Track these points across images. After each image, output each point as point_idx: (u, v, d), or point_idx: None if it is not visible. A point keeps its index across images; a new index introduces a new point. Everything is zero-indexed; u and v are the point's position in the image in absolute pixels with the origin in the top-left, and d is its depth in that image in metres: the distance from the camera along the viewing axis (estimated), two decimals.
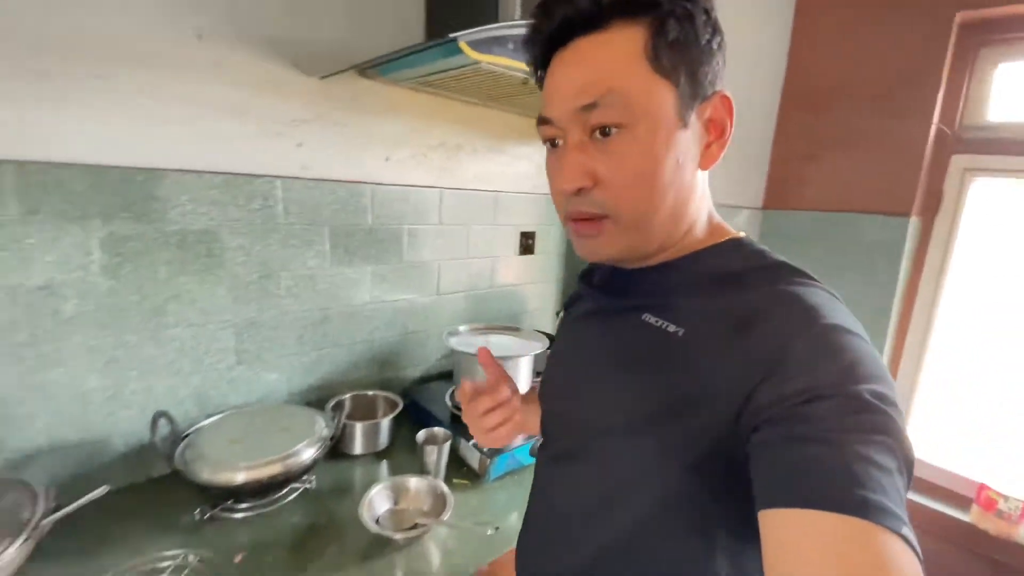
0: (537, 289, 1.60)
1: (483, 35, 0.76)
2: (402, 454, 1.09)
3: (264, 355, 1.05)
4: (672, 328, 0.47)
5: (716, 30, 0.46)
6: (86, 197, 0.81)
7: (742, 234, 0.53)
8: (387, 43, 1.05)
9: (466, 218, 1.34)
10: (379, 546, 0.81)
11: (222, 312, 0.97)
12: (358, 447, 1.06)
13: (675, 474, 0.43)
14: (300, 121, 1.01)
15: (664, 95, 0.44)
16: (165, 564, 0.73)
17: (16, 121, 0.75)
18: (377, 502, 0.87)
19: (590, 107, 0.44)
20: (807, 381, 0.37)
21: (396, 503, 0.90)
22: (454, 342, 1.19)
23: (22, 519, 0.69)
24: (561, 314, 0.80)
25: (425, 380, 1.35)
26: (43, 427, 0.83)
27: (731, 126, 0.48)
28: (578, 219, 0.48)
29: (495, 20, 0.87)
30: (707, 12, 0.45)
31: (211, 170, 0.91)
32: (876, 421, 0.35)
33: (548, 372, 0.65)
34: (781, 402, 0.37)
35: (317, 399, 1.12)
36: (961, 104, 1.64)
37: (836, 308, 0.42)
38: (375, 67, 0.94)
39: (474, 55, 0.79)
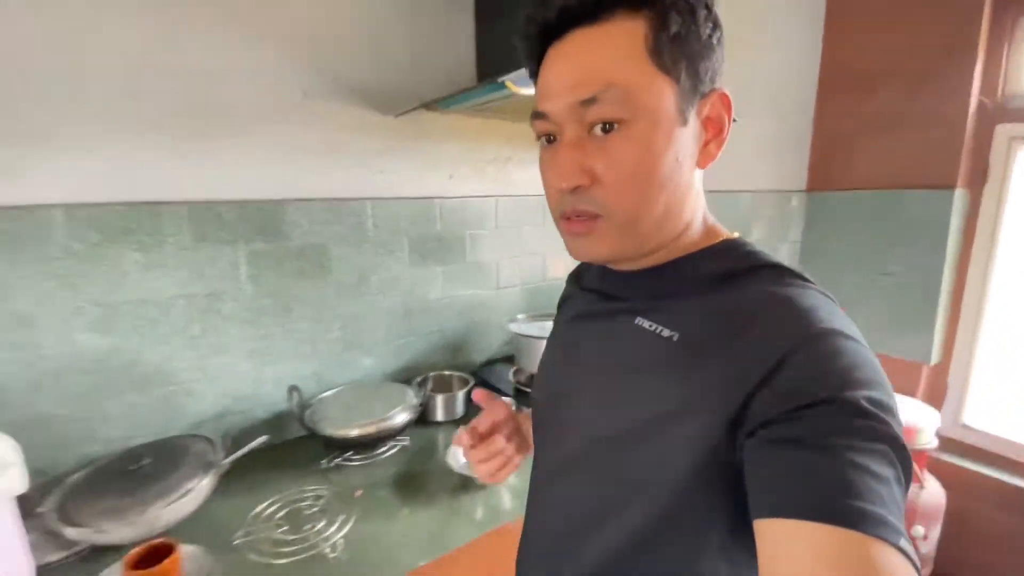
0: None
1: (525, 77, 0.95)
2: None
3: (362, 343, 1.30)
4: (666, 333, 0.46)
5: (716, 25, 0.45)
6: (235, 225, 1.08)
7: (736, 235, 0.52)
8: (445, 80, 1.28)
9: (518, 221, 1.54)
10: (463, 486, 1.02)
11: (331, 309, 1.23)
12: (440, 415, 1.28)
13: (674, 481, 0.43)
14: (381, 152, 1.25)
15: (665, 91, 0.43)
16: (308, 495, 0.98)
17: (184, 171, 1.03)
18: (460, 453, 1.09)
19: (589, 102, 0.43)
20: (803, 386, 0.37)
21: None
22: (514, 327, 1.40)
23: (208, 461, 0.96)
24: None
25: (490, 363, 1.56)
26: (211, 399, 1.11)
27: (729, 124, 0.47)
28: (571, 218, 0.47)
29: None
30: (707, 7, 0.44)
31: (319, 197, 1.17)
32: (873, 428, 0.35)
33: (540, 379, 0.64)
34: (777, 407, 0.37)
35: (404, 378, 1.36)
36: (1002, 74, 1.66)
37: (832, 311, 0.42)
38: (438, 103, 1.16)
39: (515, 89, 0.98)
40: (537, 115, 0.47)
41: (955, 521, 1.67)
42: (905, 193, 1.81)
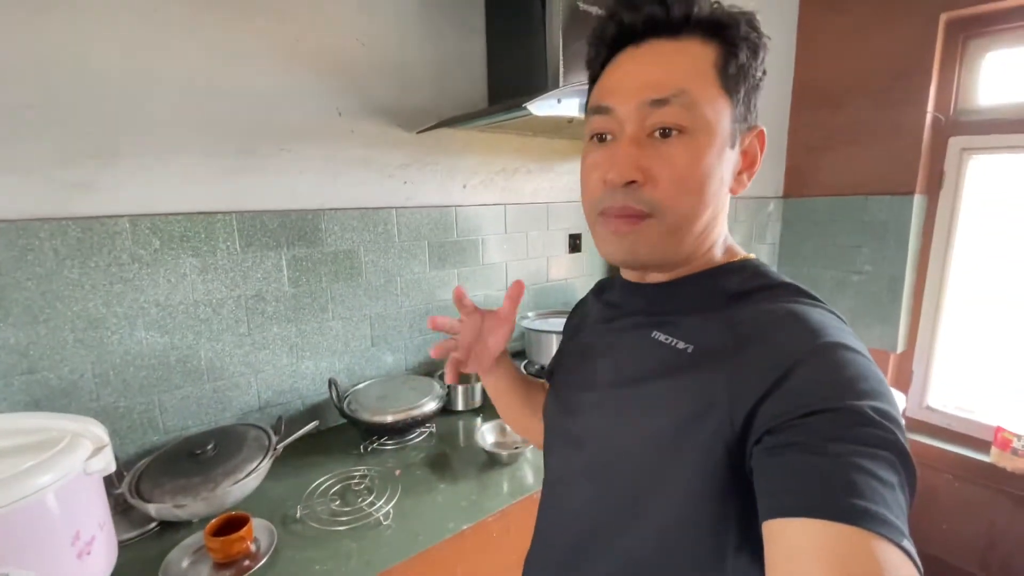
0: (583, 282, 1.91)
1: (541, 100, 1.08)
2: (490, 409, 1.42)
3: (388, 339, 1.41)
4: (681, 345, 0.48)
5: (766, 71, 0.50)
6: (277, 232, 1.19)
7: (752, 255, 0.54)
8: (461, 98, 1.41)
9: (525, 226, 1.67)
10: (490, 463, 1.14)
11: (361, 308, 1.34)
12: (460, 404, 1.40)
13: (688, 489, 0.44)
14: (405, 165, 1.37)
15: (724, 110, 0.46)
16: (354, 475, 1.09)
17: (234, 184, 1.13)
18: (487, 434, 1.21)
19: (660, 102, 0.45)
20: (810, 395, 0.38)
21: (499, 437, 1.23)
22: (525, 323, 1.52)
23: (265, 444, 1.06)
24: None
25: None
26: (255, 391, 1.21)
27: (760, 159, 0.52)
28: (619, 215, 0.48)
29: (545, 87, 1.18)
30: (765, 50, 0.49)
31: (351, 207, 1.29)
32: (879, 436, 0.36)
33: (555, 388, 0.65)
34: (784, 414, 0.38)
35: (424, 373, 1.48)
36: (954, 91, 1.85)
37: (840, 327, 0.43)
38: (456, 121, 1.28)
39: (532, 109, 1.11)
40: (598, 110, 0.49)
41: (922, 495, 1.85)
42: (870, 199, 2.00)
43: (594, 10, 1.26)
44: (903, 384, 2.04)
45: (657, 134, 0.46)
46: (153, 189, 1.04)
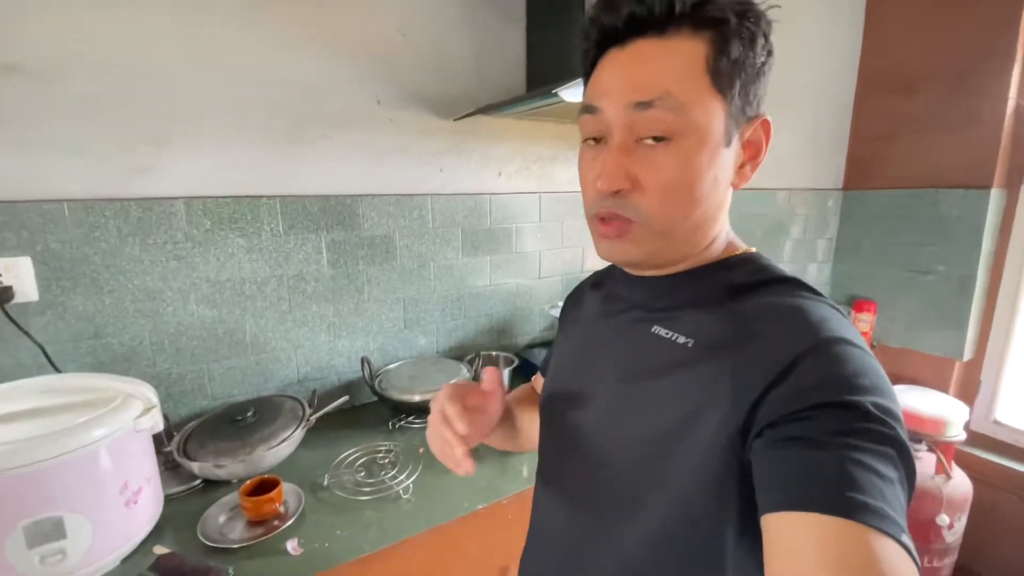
0: None
1: (573, 86, 1.07)
2: None
3: (420, 322, 1.45)
4: (682, 340, 0.48)
5: (771, 53, 0.47)
6: (318, 216, 1.25)
7: (753, 249, 0.54)
8: (498, 86, 1.42)
9: (560, 215, 1.66)
10: None
11: (395, 291, 1.39)
12: None
13: (689, 483, 0.44)
14: (441, 152, 1.39)
15: (716, 111, 0.44)
16: (380, 450, 1.14)
17: (278, 170, 1.19)
18: None
19: (645, 105, 0.44)
20: (812, 390, 0.38)
21: None
22: (555, 313, 1.52)
23: (299, 415, 1.13)
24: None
25: (532, 346, 1.69)
26: (294, 366, 1.29)
27: (766, 148, 0.49)
28: (608, 221, 0.48)
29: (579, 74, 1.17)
30: (766, 35, 0.46)
31: (387, 192, 1.33)
32: (879, 432, 0.36)
33: (552, 381, 0.63)
34: (785, 408, 0.38)
35: (455, 356, 1.51)
36: None
37: (842, 322, 0.43)
38: (492, 109, 1.29)
39: (565, 98, 1.10)
40: (587, 109, 0.48)
41: (982, 514, 1.71)
42: (941, 192, 1.84)
43: None
44: (968, 395, 1.88)
45: (649, 140, 0.45)
46: (205, 173, 1.11)
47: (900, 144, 1.96)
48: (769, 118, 0.49)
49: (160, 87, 1.04)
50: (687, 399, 0.45)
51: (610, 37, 0.46)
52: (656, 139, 0.45)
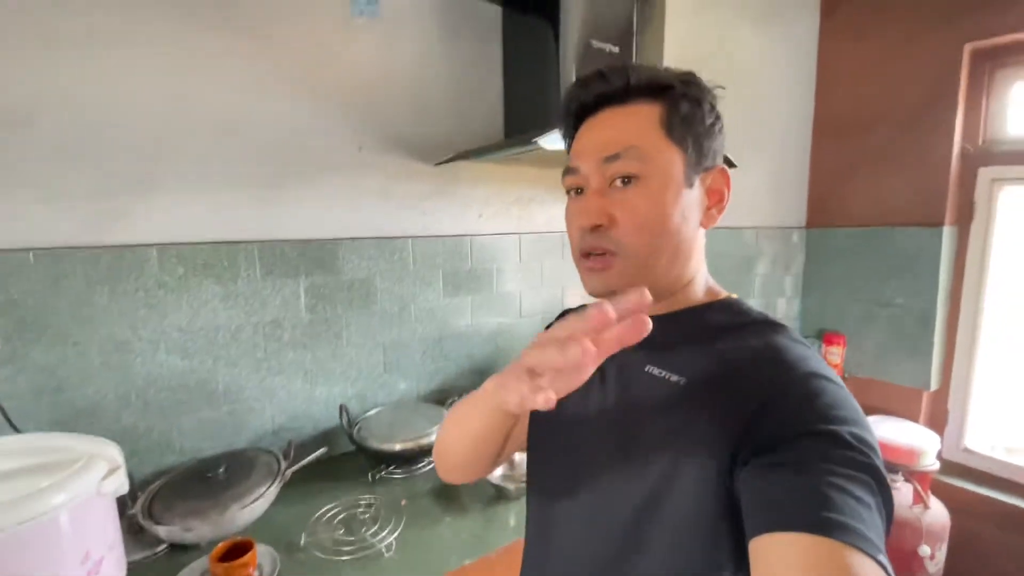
0: None
1: (551, 134, 1.10)
2: None
3: (401, 366, 1.42)
4: (674, 378, 0.51)
5: (718, 116, 0.55)
6: (296, 261, 1.23)
7: (734, 295, 0.59)
8: (478, 131, 1.45)
9: (540, 255, 1.68)
10: (497, 497, 1.13)
11: (375, 335, 1.36)
12: None
13: (686, 516, 0.46)
14: (422, 196, 1.41)
15: (674, 158, 0.52)
16: (360, 503, 1.09)
17: (257, 215, 1.18)
18: None
19: (613, 158, 0.51)
20: (792, 420, 0.41)
21: (506, 470, 1.22)
22: None
23: (274, 470, 1.08)
24: None
25: None
26: (269, 415, 1.24)
27: (728, 195, 0.56)
28: (592, 255, 0.54)
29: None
30: (711, 103, 0.55)
31: (368, 236, 1.32)
32: (856, 460, 0.38)
33: (544, 422, 0.63)
34: (768, 438, 0.41)
35: (436, 400, 1.48)
36: (983, 121, 1.80)
37: (818, 360, 0.47)
38: (472, 154, 1.32)
39: (543, 146, 1.13)
40: (569, 171, 0.56)
41: (961, 542, 1.73)
42: (896, 230, 1.94)
43: (607, 47, 1.29)
44: (938, 424, 1.93)
45: (619, 183, 0.52)
46: (181, 219, 1.09)
47: (856, 184, 2.07)
48: (727, 168, 0.56)
49: (135, 133, 1.03)
50: (679, 436, 0.47)
51: (585, 108, 0.56)
52: (625, 182, 0.52)
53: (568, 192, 0.58)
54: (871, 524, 0.35)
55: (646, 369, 0.54)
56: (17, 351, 0.95)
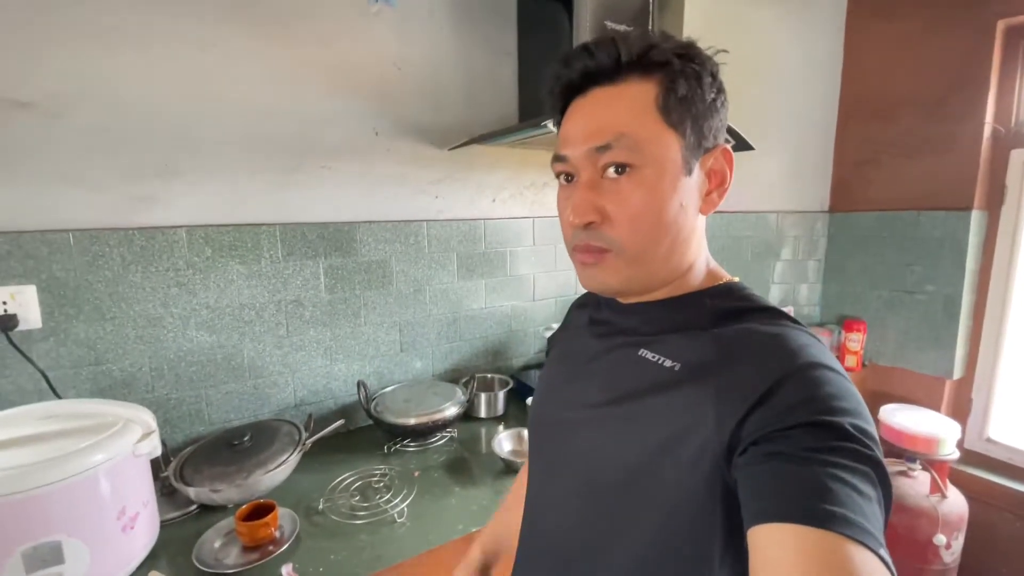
0: None
1: None
2: (513, 418, 1.45)
3: (416, 346, 1.47)
4: (668, 363, 0.49)
5: (720, 90, 0.50)
6: (316, 243, 1.28)
7: (736, 279, 0.56)
8: (492, 116, 1.47)
9: (553, 239, 1.70)
10: (506, 470, 1.17)
11: (392, 315, 1.41)
12: (483, 412, 1.44)
13: (678, 503, 0.45)
14: (436, 180, 1.44)
15: (671, 143, 0.48)
16: (375, 473, 1.15)
17: (279, 198, 1.23)
18: (504, 442, 1.24)
19: (604, 148, 0.48)
20: (792, 409, 0.39)
21: (515, 446, 1.26)
22: (549, 335, 1.55)
23: (295, 439, 1.14)
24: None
25: (527, 368, 1.71)
26: (291, 390, 1.30)
27: (731, 176, 0.52)
28: (583, 252, 0.52)
29: None
30: (713, 74, 0.49)
31: (385, 219, 1.37)
32: (857, 451, 0.37)
33: (541, 404, 0.65)
34: (767, 427, 0.39)
35: (451, 379, 1.53)
36: (1016, 101, 1.73)
37: (821, 349, 0.45)
38: (486, 138, 1.34)
39: (553, 129, 1.15)
40: (557, 158, 0.53)
41: (979, 532, 1.71)
42: (922, 215, 1.89)
43: (622, 28, 1.28)
44: (961, 414, 1.90)
45: (611, 172, 0.49)
46: (207, 202, 1.15)
47: (882, 168, 2.02)
48: (730, 148, 0.52)
49: (166, 121, 1.09)
50: (673, 420, 0.46)
51: (571, 88, 0.52)
52: (618, 171, 0.48)
53: (558, 177, 0.55)
54: (872, 517, 0.34)
55: (639, 353, 0.52)
56: (59, 326, 1.03)
